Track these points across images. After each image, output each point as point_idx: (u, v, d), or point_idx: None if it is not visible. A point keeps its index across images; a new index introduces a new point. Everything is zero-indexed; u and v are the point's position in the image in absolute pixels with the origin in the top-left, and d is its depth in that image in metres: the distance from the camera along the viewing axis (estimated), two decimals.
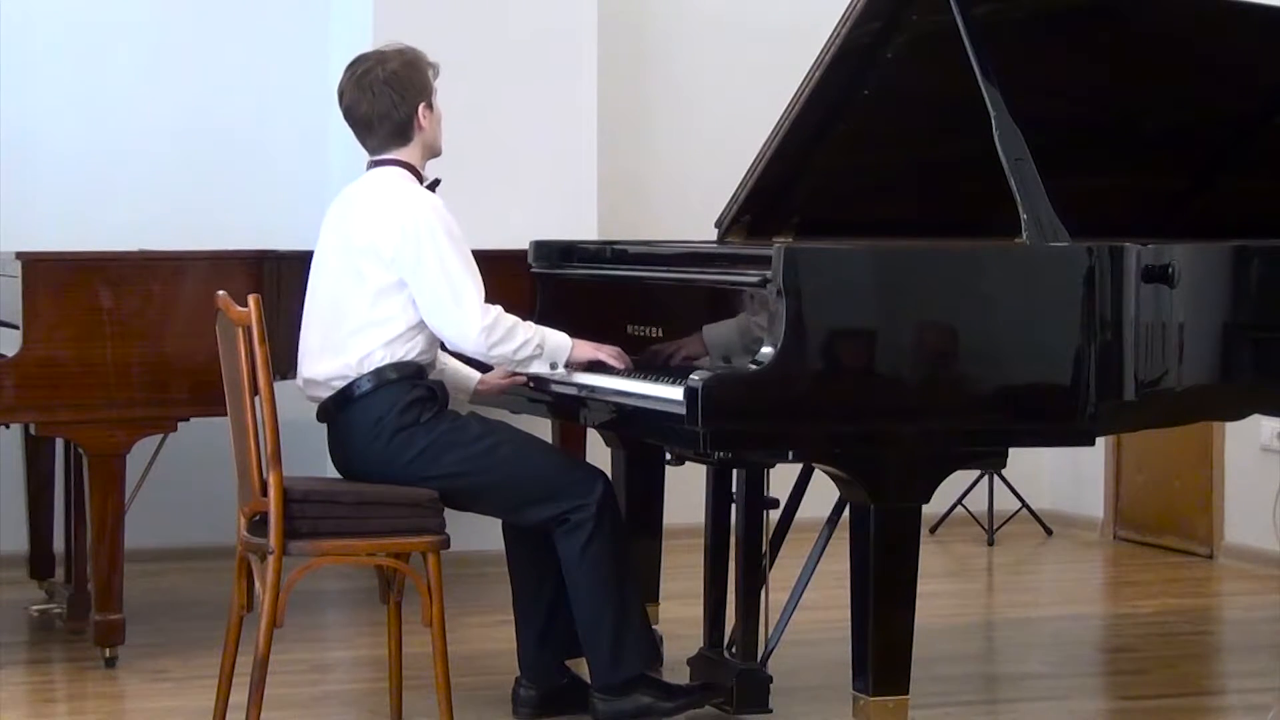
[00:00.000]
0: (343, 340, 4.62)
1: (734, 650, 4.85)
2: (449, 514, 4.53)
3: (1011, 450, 4.36)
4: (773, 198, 5.23)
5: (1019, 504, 7.69)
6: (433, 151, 4.78)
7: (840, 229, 5.15)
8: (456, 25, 6.96)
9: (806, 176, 5.18)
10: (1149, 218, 5.15)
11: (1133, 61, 5.00)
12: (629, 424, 4.68)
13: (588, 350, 4.71)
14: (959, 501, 7.62)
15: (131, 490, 5.39)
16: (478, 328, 4.56)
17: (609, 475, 4.80)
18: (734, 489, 4.88)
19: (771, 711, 4.76)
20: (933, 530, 7.57)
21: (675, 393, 4.22)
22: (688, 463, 4.75)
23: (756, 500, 4.80)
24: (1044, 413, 4.29)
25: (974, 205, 4.79)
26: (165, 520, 6.69)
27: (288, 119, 7.23)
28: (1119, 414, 4.41)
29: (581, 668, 4.74)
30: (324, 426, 4.71)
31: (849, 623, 4.20)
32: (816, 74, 4.89)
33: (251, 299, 4.34)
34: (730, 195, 5.27)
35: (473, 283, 4.59)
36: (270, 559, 4.33)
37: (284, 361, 5.47)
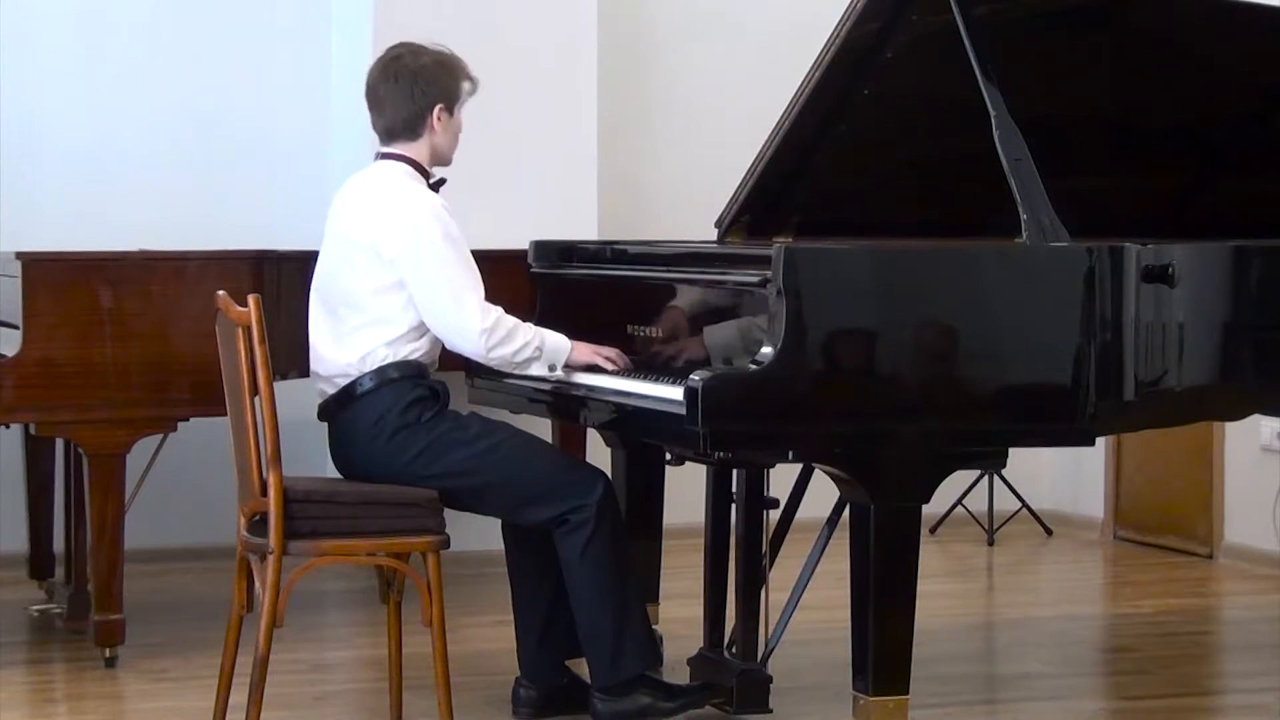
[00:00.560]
0: (346, 335, 4.62)
1: (734, 650, 4.85)
2: (449, 514, 4.53)
3: (1011, 450, 4.36)
4: (773, 198, 5.23)
5: (1019, 504, 7.69)
6: (440, 158, 4.77)
7: (840, 229, 5.15)
8: (456, 25, 6.94)
9: (806, 177, 5.18)
10: (1149, 218, 5.15)
11: (1133, 61, 5.00)
12: (629, 424, 4.68)
13: (586, 352, 4.71)
14: (959, 501, 7.62)
15: (131, 490, 5.39)
16: (477, 330, 4.56)
17: (609, 475, 4.80)
18: (734, 489, 4.88)
19: (771, 711, 4.76)
20: (933, 530, 7.57)
21: (675, 393, 4.22)
22: (688, 463, 4.75)
23: (756, 500, 4.80)
24: (1044, 413, 4.29)
25: (974, 205, 4.79)
26: (165, 520, 6.69)
27: (288, 119, 7.23)
28: (1119, 414, 4.41)
29: (581, 668, 4.74)
30: (324, 426, 4.72)
31: (849, 623, 4.20)
32: (816, 74, 4.89)
33: (251, 299, 4.34)
34: (730, 195, 5.27)
35: (472, 285, 4.59)
36: (270, 559, 4.33)
37: (284, 361, 5.47)
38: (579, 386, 4.69)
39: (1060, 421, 4.29)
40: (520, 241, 5.45)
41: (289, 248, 5.94)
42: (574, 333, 4.76)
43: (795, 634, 4.92)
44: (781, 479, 4.80)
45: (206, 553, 6.77)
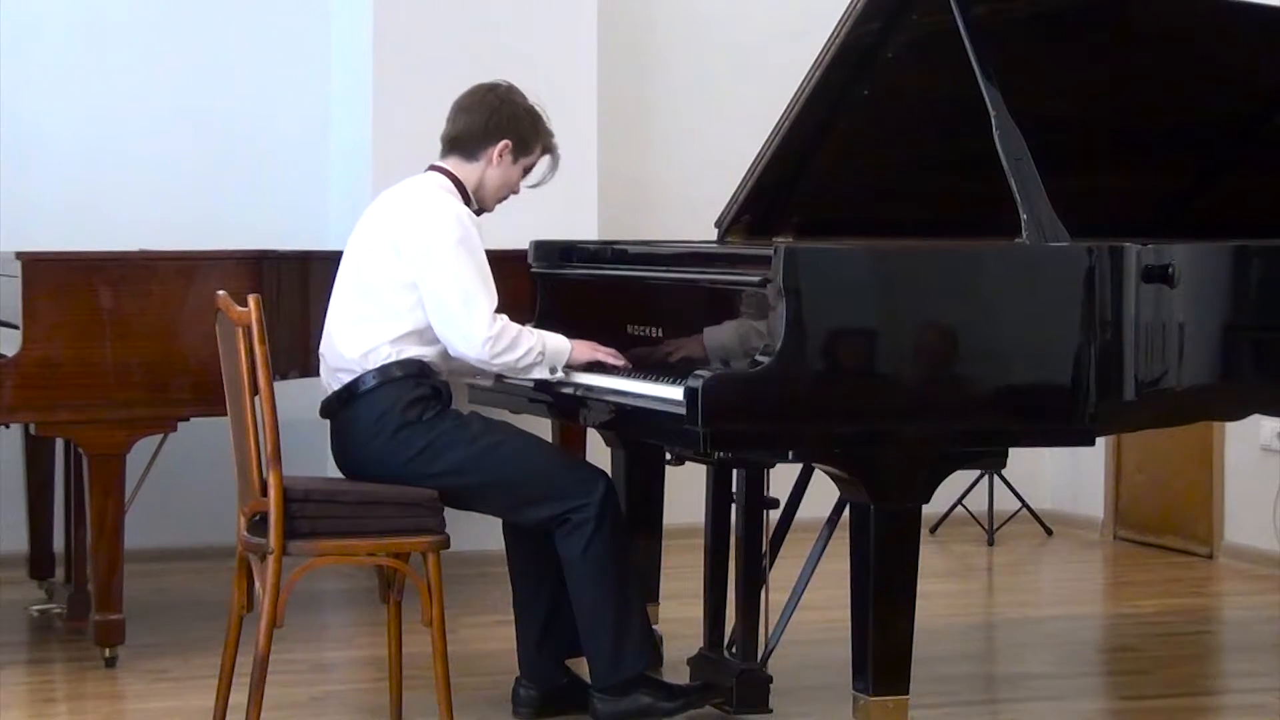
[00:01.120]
0: (355, 324, 4.64)
1: (734, 650, 4.85)
2: (449, 514, 4.53)
3: (1011, 450, 4.36)
4: (773, 198, 5.23)
5: (1019, 504, 7.69)
6: (483, 195, 4.77)
7: (840, 229, 5.15)
8: (456, 25, 6.96)
9: (806, 177, 5.18)
10: (1149, 218, 5.15)
11: (1133, 61, 5.00)
12: (629, 424, 4.68)
13: (587, 351, 4.72)
14: (959, 501, 7.62)
15: (131, 490, 5.39)
16: (482, 338, 4.57)
17: (609, 475, 4.81)
18: (734, 489, 4.88)
19: (771, 711, 4.76)
20: (933, 530, 7.57)
21: (675, 393, 4.22)
22: (688, 463, 4.75)
23: (756, 500, 4.80)
24: (1044, 413, 4.29)
25: (974, 205, 4.78)
26: (165, 520, 6.69)
27: (288, 119, 7.23)
28: (1119, 414, 4.42)
29: (581, 668, 4.74)
30: (324, 427, 4.72)
31: (849, 623, 4.20)
32: (816, 74, 4.89)
33: (251, 299, 4.34)
34: (730, 195, 5.27)
35: (485, 295, 4.59)
36: (270, 559, 4.33)
37: (284, 361, 5.47)
38: (579, 386, 4.69)
39: (1060, 421, 4.29)
40: (520, 241, 5.45)
41: (289, 248, 5.94)
42: (574, 333, 4.76)
43: (795, 634, 4.92)
44: (781, 479, 4.80)
45: (206, 553, 6.77)
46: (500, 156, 4.75)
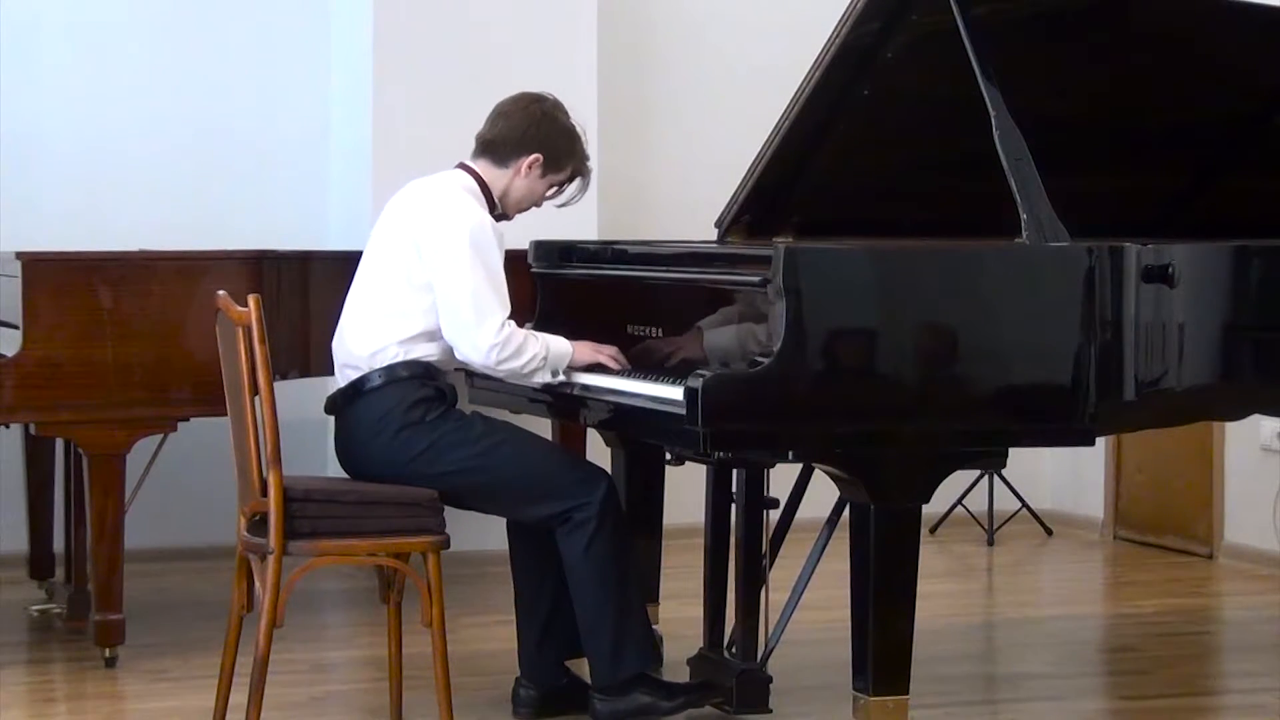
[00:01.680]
0: (366, 320, 4.65)
1: (734, 650, 4.85)
2: (449, 514, 4.53)
3: (1011, 450, 4.36)
4: (773, 198, 5.23)
5: (1019, 504, 7.69)
6: (506, 202, 4.78)
7: (840, 229, 5.15)
8: (456, 26, 6.96)
9: (806, 177, 5.18)
10: (1149, 218, 5.15)
11: (1133, 61, 5.00)
12: (629, 424, 4.68)
13: (588, 352, 4.72)
14: (959, 501, 7.62)
15: (131, 490, 5.39)
16: (488, 344, 4.57)
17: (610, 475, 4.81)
18: (734, 489, 4.88)
19: (771, 711, 4.76)
20: (933, 530, 7.57)
21: (675, 393, 4.22)
22: (688, 463, 4.75)
23: (756, 500, 4.80)
24: (1044, 413, 4.29)
25: (974, 205, 4.78)
26: (165, 520, 6.69)
27: (288, 119, 7.23)
28: (1119, 414, 4.41)
29: (581, 668, 4.75)
30: (324, 427, 4.72)
31: (849, 623, 4.20)
32: (816, 74, 4.89)
33: (251, 299, 4.34)
34: (730, 195, 5.27)
35: (498, 303, 4.59)
36: (270, 559, 4.33)
37: (284, 361, 5.47)
38: (579, 386, 4.69)
39: (1060, 421, 4.29)
40: (520, 241, 5.44)
41: (289, 248, 5.94)
42: (574, 333, 4.76)
43: (795, 634, 4.91)
44: (781, 479, 4.80)
45: (206, 553, 6.77)
46: (529, 169, 4.75)
